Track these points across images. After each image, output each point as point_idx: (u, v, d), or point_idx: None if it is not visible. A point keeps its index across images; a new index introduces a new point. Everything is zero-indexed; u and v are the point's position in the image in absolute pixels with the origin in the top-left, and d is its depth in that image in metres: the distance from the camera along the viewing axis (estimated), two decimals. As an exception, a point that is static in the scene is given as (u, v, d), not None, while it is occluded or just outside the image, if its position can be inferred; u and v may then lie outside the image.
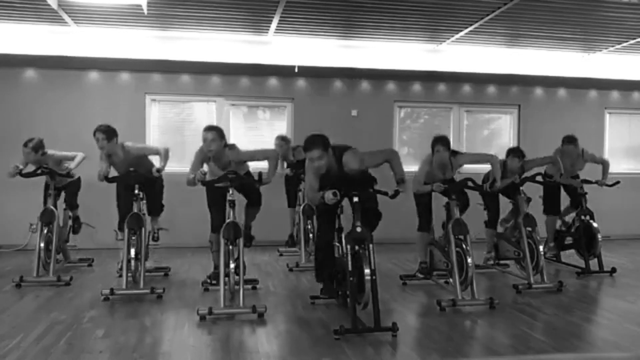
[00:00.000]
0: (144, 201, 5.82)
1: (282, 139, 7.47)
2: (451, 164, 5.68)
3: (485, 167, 6.26)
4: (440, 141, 5.60)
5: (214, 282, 5.37)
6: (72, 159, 6.21)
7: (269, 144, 7.70)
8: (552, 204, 6.84)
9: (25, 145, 6.01)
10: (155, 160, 5.91)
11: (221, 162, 5.26)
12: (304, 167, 6.82)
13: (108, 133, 5.61)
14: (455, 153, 5.70)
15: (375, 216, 4.63)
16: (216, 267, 5.37)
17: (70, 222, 6.67)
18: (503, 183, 5.99)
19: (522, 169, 6.41)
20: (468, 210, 5.62)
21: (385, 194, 4.39)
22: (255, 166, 5.63)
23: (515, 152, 6.28)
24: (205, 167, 5.31)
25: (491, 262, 6.44)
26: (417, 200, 5.75)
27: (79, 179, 6.50)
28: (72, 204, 6.62)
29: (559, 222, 7.04)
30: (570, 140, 6.60)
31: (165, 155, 5.74)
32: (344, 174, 4.48)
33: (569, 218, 7.06)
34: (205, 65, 7.80)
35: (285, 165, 7.39)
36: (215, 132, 5.14)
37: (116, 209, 5.85)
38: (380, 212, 4.66)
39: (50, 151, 6.15)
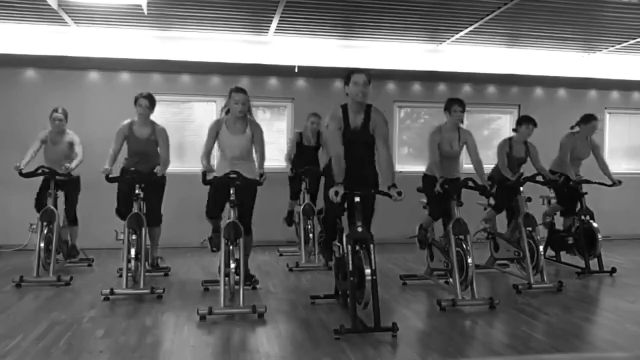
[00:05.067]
0: (144, 202, 5.79)
1: (317, 116, 7.25)
2: (459, 134, 5.69)
3: (487, 168, 6.27)
4: (458, 102, 5.63)
5: (214, 249, 5.33)
6: (77, 152, 6.29)
7: (269, 144, 7.66)
8: (565, 203, 6.85)
9: (56, 110, 6.29)
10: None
11: (236, 127, 5.26)
12: (307, 168, 6.92)
13: (152, 101, 5.84)
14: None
15: (371, 211, 4.65)
16: (214, 230, 5.39)
17: (66, 250, 6.57)
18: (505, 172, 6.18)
19: (528, 152, 6.46)
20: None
21: (388, 195, 4.37)
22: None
23: (530, 120, 6.35)
24: (214, 164, 5.27)
25: (488, 230, 6.40)
26: (425, 189, 5.70)
27: (78, 178, 6.48)
28: (72, 216, 6.53)
29: (548, 219, 7.05)
30: (595, 117, 6.72)
31: (166, 163, 5.82)
32: (350, 134, 4.55)
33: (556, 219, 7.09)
34: (205, 65, 7.80)
35: (290, 167, 7.32)
36: (247, 95, 5.22)
37: (115, 204, 5.91)
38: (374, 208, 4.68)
39: (68, 130, 6.39)
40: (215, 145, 5.39)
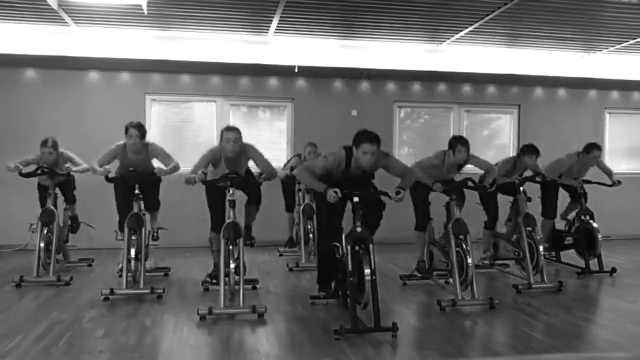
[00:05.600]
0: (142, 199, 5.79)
1: (314, 146, 7.14)
2: (459, 165, 5.70)
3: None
4: (464, 143, 5.60)
5: (214, 281, 5.38)
6: (79, 164, 6.24)
7: (269, 143, 7.70)
8: (549, 206, 6.80)
9: (44, 145, 6.04)
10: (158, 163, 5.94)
11: (236, 163, 5.25)
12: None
13: (142, 131, 5.71)
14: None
15: (378, 210, 4.63)
16: (216, 265, 5.38)
17: (68, 222, 6.67)
18: (502, 180, 6.07)
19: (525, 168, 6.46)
20: (468, 211, 5.61)
21: (387, 195, 4.37)
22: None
23: (533, 150, 6.33)
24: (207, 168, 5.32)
25: (487, 261, 6.44)
26: (414, 198, 5.72)
27: (68, 173, 6.42)
28: (70, 198, 6.58)
29: (563, 222, 7.02)
30: (599, 147, 6.66)
31: (174, 169, 5.72)
32: (348, 174, 4.51)
33: (571, 216, 7.05)
34: (205, 65, 7.80)
35: (289, 168, 7.29)
36: (238, 133, 5.16)
37: (115, 208, 5.85)
38: (383, 202, 4.63)
39: (61, 149, 6.22)
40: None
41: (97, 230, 7.06)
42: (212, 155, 5.24)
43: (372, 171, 4.65)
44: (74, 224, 6.73)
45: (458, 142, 5.62)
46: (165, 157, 5.82)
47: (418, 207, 5.74)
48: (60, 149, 6.22)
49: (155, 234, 6.13)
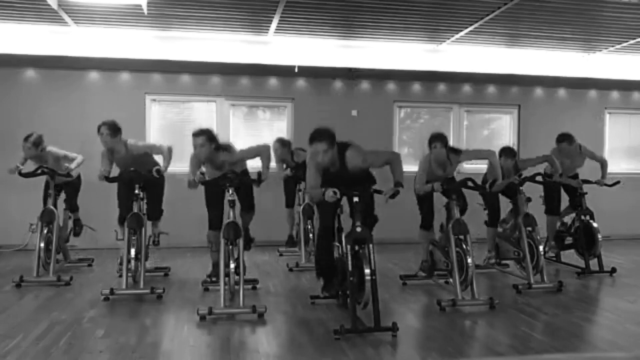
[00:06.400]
0: (144, 201, 5.81)
1: (280, 143, 7.22)
2: (450, 160, 5.67)
3: (484, 167, 6.28)
4: (438, 138, 5.56)
5: (214, 279, 5.37)
6: (71, 160, 6.21)
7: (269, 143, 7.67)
8: (552, 203, 6.83)
9: (26, 140, 6.06)
10: (160, 159, 5.92)
11: (215, 163, 5.28)
12: (304, 170, 6.88)
13: (113, 128, 5.65)
14: (454, 150, 5.68)
15: (371, 219, 4.60)
16: (215, 265, 5.38)
17: (71, 224, 6.67)
18: (502, 183, 5.97)
19: (517, 168, 6.44)
20: (468, 210, 5.61)
21: (380, 193, 4.37)
22: (251, 165, 5.66)
23: (506, 152, 6.34)
24: (203, 168, 5.34)
25: (492, 261, 6.44)
26: (419, 199, 5.72)
27: (78, 177, 6.49)
28: (72, 206, 6.60)
29: (558, 223, 7.03)
30: (563, 138, 6.56)
31: (168, 155, 5.73)
32: (345, 171, 4.48)
33: (568, 218, 7.05)
34: (205, 65, 7.80)
35: (284, 166, 7.32)
36: (204, 137, 5.12)
37: (117, 207, 5.86)
38: (376, 215, 4.65)
39: (49, 148, 6.16)
40: None
41: (97, 231, 7.05)
42: (197, 158, 5.25)
43: (367, 168, 4.57)
44: (76, 227, 6.74)
45: (434, 139, 5.57)
46: (151, 148, 5.85)
47: (423, 206, 5.71)
48: (49, 148, 6.14)
49: (156, 240, 6.12)
